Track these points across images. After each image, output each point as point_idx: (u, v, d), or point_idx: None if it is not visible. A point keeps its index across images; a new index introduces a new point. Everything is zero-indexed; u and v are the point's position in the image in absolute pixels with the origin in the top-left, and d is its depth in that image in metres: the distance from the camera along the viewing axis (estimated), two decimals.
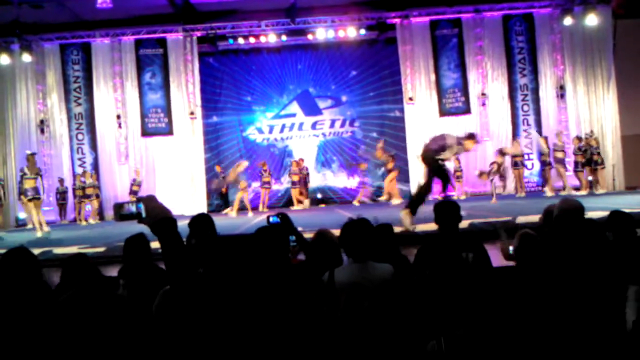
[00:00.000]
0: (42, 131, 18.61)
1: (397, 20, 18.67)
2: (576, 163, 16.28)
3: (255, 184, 19.40)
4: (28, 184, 12.78)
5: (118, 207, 3.07)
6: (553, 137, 17.25)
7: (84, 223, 17.35)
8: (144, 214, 2.69)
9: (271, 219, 4.02)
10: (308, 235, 4.49)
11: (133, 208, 2.91)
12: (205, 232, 4.38)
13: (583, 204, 3.93)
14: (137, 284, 4.47)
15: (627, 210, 4.38)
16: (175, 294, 3.24)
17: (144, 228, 2.99)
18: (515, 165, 17.30)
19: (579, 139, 16.73)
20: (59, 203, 18.27)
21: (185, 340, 2.97)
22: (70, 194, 18.33)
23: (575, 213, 3.86)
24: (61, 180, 18.24)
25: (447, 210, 4.09)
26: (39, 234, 12.60)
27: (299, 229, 4.34)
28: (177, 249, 2.80)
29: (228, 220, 14.54)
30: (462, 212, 4.15)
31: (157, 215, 2.61)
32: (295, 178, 18.10)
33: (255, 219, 13.87)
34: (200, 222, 4.43)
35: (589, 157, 16.18)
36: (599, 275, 3.61)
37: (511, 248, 4.28)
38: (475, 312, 3.73)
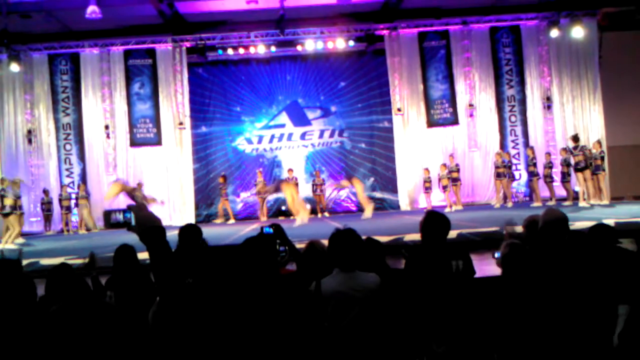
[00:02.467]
0: (30, 141, 18.50)
1: (385, 32, 18.81)
2: (563, 174, 16.38)
3: (245, 194, 19.43)
4: None
5: (107, 214, 3.08)
6: (543, 148, 17.41)
7: (71, 232, 17.30)
8: (133, 222, 2.70)
9: (264, 230, 4.05)
10: (299, 245, 4.51)
11: (120, 217, 2.93)
12: (194, 243, 4.40)
13: (572, 214, 3.97)
14: (124, 294, 4.46)
15: (614, 221, 4.43)
16: (165, 303, 3.25)
17: (129, 239, 3.00)
18: (498, 176, 17.42)
19: (565, 150, 16.83)
20: (44, 214, 18.13)
21: (173, 349, 2.98)
22: (56, 205, 18.22)
23: (559, 224, 3.90)
24: (46, 192, 18.11)
25: (436, 223, 4.12)
26: None
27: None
28: (165, 258, 2.81)
29: (216, 231, 14.51)
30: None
31: (146, 224, 2.63)
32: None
33: (246, 229, 13.85)
34: (189, 233, 4.45)
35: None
36: (584, 286, 3.64)
37: (497, 255, 4.31)
38: (463, 323, 3.75)
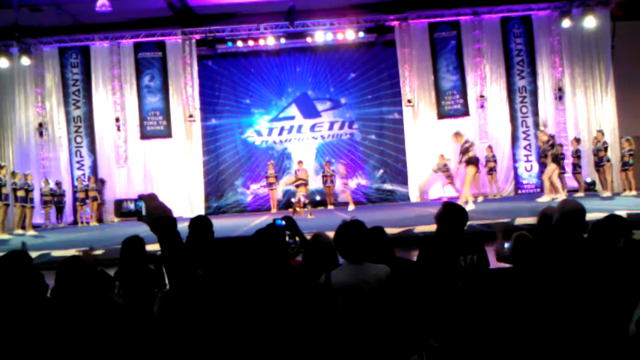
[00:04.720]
0: (41, 134, 18.62)
1: (395, 23, 18.70)
2: (574, 165, 16.27)
3: (254, 186, 19.47)
4: None
5: (118, 204, 3.07)
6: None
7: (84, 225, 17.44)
8: (144, 212, 2.69)
9: (277, 222, 4.06)
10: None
11: (132, 206, 2.93)
12: (204, 234, 4.40)
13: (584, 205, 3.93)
14: (132, 285, 4.47)
15: (626, 212, 4.37)
16: (175, 295, 3.24)
17: (141, 230, 2.99)
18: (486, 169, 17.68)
19: (577, 140, 16.72)
20: (56, 206, 18.27)
21: (184, 342, 2.97)
22: (69, 197, 18.35)
23: (576, 215, 3.86)
24: (59, 184, 18.24)
25: (454, 215, 4.09)
26: None
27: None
28: (176, 249, 2.80)
29: (227, 223, 14.54)
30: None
31: (157, 214, 2.61)
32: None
33: (255, 221, 13.87)
34: (199, 225, 4.45)
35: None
36: (600, 277, 3.61)
37: (506, 245, 4.30)
38: (472, 315, 3.73)
